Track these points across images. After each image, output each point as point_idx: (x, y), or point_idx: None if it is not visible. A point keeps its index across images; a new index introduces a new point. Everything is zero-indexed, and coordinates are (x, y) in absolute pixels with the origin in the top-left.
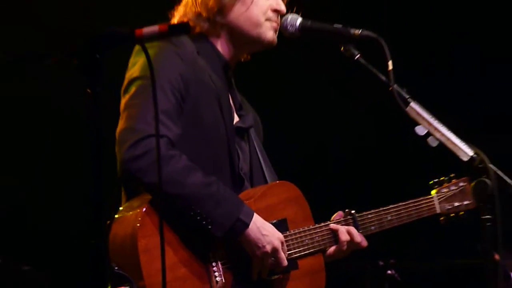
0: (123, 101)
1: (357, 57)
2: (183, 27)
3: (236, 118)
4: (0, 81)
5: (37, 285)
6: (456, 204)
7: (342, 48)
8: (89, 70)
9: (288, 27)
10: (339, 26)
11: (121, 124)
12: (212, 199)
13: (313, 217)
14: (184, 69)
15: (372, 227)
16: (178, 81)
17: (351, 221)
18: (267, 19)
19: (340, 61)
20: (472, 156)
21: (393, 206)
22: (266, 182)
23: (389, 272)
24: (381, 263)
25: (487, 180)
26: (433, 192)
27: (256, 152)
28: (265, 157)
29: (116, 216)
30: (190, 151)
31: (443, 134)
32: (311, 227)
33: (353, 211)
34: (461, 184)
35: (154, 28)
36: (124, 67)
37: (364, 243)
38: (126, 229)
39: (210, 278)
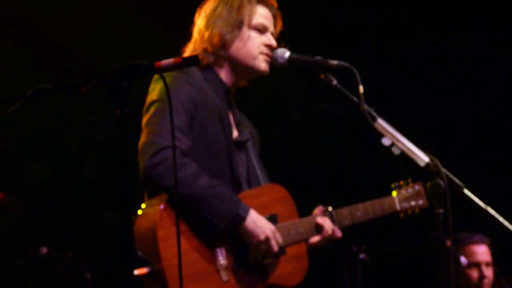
0: (144, 119)
1: (334, 83)
2: (193, 60)
3: (235, 133)
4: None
5: (78, 268)
6: (413, 203)
7: (322, 76)
8: (117, 95)
9: (278, 58)
10: (320, 57)
11: (142, 138)
12: (216, 198)
13: (298, 213)
14: (193, 94)
15: (345, 222)
16: (189, 103)
17: (328, 216)
18: (261, 53)
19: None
20: (427, 162)
21: (362, 204)
22: (260, 185)
23: (361, 256)
24: (354, 248)
25: (440, 181)
26: (394, 193)
27: (252, 161)
28: (260, 165)
29: (139, 212)
30: (198, 159)
31: (404, 144)
32: (296, 221)
33: (329, 208)
34: (416, 187)
35: (170, 61)
36: (140, 94)
37: (339, 234)
38: (147, 223)
39: (215, 261)
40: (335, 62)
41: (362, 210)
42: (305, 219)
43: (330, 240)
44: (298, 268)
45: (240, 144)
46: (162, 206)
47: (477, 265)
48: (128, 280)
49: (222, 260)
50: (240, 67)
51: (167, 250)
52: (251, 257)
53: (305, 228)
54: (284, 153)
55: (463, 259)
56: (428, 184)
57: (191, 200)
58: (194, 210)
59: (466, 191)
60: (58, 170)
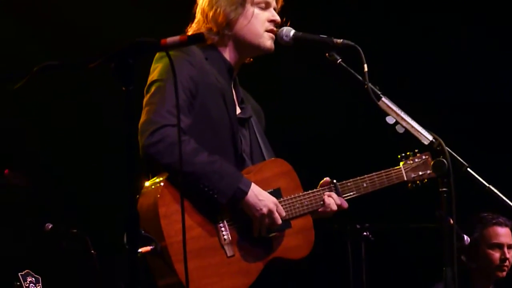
0: (145, 99)
1: (339, 61)
2: (199, 37)
3: (238, 110)
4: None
5: (83, 244)
6: (420, 173)
7: (327, 54)
8: (123, 72)
9: (283, 37)
10: (325, 36)
11: (142, 117)
12: (216, 174)
13: (302, 187)
14: (194, 73)
15: (351, 193)
16: (189, 82)
17: (334, 188)
18: (266, 30)
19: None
20: (431, 140)
21: (367, 175)
22: (264, 160)
23: (364, 233)
24: (358, 226)
25: (444, 160)
26: (401, 163)
27: (256, 137)
28: (264, 140)
29: (142, 191)
30: (200, 137)
31: (408, 123)
32: (301, 194)
33: (334, 181)
34: (423, 157)
35: (175, 38)
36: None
37: (345, 205)
38: (149, 200)
39: (219, 236)
40: (339, 40)
41: (368, 182)
42: (310, 192)
43: (335, 212)
44: (304, 241)
45: (243, 121)
46: (162, 184)
47: (499, 246)
48: (133, 258)
49: (226, 235)
50: (245, 45)
51: (170, 227)
52: (255, 231)
53: (310, 201)
54: (288, 128)
55: (466, 238)
56: (432, 162)
57: (191, 177)
58: (195, 186)
59: (470, 170)
60: (63, 146)
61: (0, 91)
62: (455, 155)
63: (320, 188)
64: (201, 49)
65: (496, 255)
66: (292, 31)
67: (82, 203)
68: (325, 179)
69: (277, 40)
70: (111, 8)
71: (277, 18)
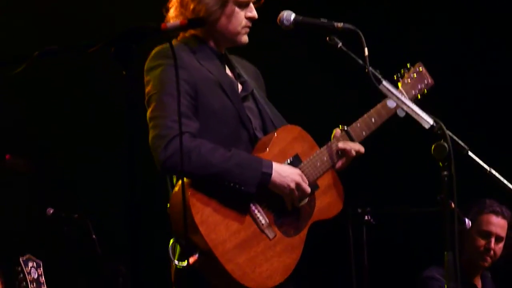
0: (148, 114)
1: (339, 45)
2: (199, 21)
3: (240, 88)
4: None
5: (84, 229)
6: (419, 86)
7: (327, 38)
8: (124, 57)
9: (284, 21)
10: (325, 20)
11: (151, 134)
12: (237, 167)
13: (317, 144)
14: (186, 75)
15: (363, 133)
16: (184, 86)
17: (346, 135)
18: (243, 27)
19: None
20: (432, 124)
21: (373, 109)
22: (275, 127)
23: (366, 217)
24: (359, 210)
25: (445, 144)
26: (399, 84)
27: (264, 107)
28: (270, 107)
29: (170, 202)
30: (211, 133)
31: (408, 106)
32: (318, 151)
33: (345, 127)
34: (417, 69)
35: (176, 23)
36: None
37: (362, 149)
38: (180, 210)
39: (256, 223)
40: (340, 24)
41: (375, 115)
42: (325, 147)
43: (354, 159)
44: (335, 196)
45: (247, 97)
46: (189, 193)
47: (488, 234)
48: (135, 246)
49: (262, 219)
50: (224, 40)
51: (209, 231)
52: (288, 205)
53: (329, 155)
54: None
55: (467, 221)
56: (433, 146)
57: (215, 178)
58: (221, 185)
59: (471, 154)
60: (65, 131)
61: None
62: (456, 138)
63: (334, 140)
64: (186, 45)
65: (482, 242)
66: (293, 15)
67: (83, 189)
68: (336, 129)
69: (279, 24)
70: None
71: (255, 15)
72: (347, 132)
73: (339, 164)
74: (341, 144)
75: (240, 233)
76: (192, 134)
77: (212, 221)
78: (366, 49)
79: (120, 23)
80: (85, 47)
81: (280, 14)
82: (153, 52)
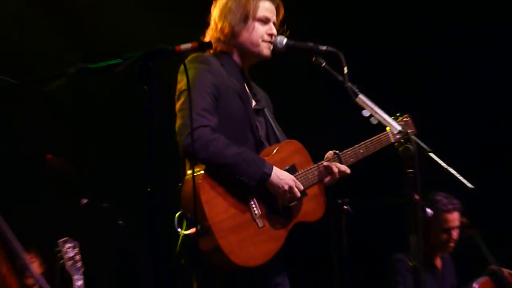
0: (177, 106)
1: (323, 64)
2: (207, 45)
3: (254, 103)
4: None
5: (112, 216)
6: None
7: (313, 59)
8: (145, 74)
9: (278, 45)
10: (312, 43)
11: (177, 122)
12: (244, 162)
13: (312, 160)
14: (214, 80)
15: (351, 159)
16: (211, 88)
17: (337, 158)
18: (263, 41)
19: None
20: (400, 130)
21: (362, 142)
22: (278, 141)
23: (345, 207)
24: (339, 201)
25: (410, 146)
26: (387, 128)
27: (270, 123)
28: (276, 125)
29: (185, 180)
30: (226, 131)
31: (380, 115)
32: (311, 167)
33: (337, 151)
34: (405, 119)
35: (188, 45)
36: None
37: (348, 171)
38: (192, 189)
39: (251, 212)
40: (324, 47)
41: (363, 148)
42: (319, 164)
43: (342, 177)
44: (318, 205)
45: (258, 111)
46: (201, 175)
47: (449, 230)
48: (151, 226)
49: (256, 210)
50: (247, 53)
51: (211, 210)
52: (279, 204)
53: (319, 171)
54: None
55: (428, 210)
56: (400, 148)
57: (225, 167)
58: (229, 174)
59: (432, 154)
60: (97, 135)
61: (38, 91)
62: (420, 142)
63: (326, 160)
64: (216, 57)
65: (445, 236)
66: (285, 40)
67: (111, 182)
68: (329, 152)
69: (273, 48)
70: (140, 17)
71: (274, 31)
72: (338, 155)
73: (326, 179)
74: (332, 165)
75: (235, 217)
76: (212, 128)
77: (215, 203)
78: (345, 68)
79: (144, 44)
80: (114, 66)
81: (274, 39)
82: (189, 57)
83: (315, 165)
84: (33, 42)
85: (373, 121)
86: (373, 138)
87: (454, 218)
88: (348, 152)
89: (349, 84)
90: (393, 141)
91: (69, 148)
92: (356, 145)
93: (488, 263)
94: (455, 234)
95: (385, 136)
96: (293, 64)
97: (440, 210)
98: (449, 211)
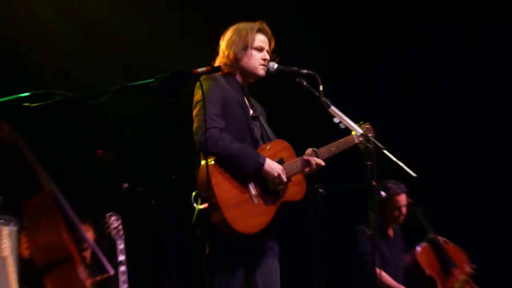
0: (194, 112)
1: (304, 84)
2: (217, 68)
3: (251, 112)
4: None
5: (146, 198)
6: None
7: (296, 79)
8: (170, 89)
9: (270, 69)
10: (296, 67)
11: (194, 125)
12: (244, 155)
13: (296, 155)
14: (222, 93)
15: (325, 155)
16: (220, 99)
17: (314, 154)
18: (259, 64)
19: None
20: (362, 133)
21: (334, 142)
22: (270, 140)
23: (320, 190)
24: (316, 186)
25: (369, 145)
26: (353, 133)
27: (264, 126)
28: (269, 128)
29: (200, 167)
30: (231, 132)
31: (347, 122)
32: (295, 160)
33: (315, 149)
34: (366, 126)
35: (203, 69)
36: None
37: (323, 163)
38: (205, 175)
39: (249, 192)
40: (305, 70)
41: (334, 146)
42: (300, 158)
43: (318, 168)
44: (300, 189)
45: (255, 118)
46: (213, 164)
47: (399, 208)
48: (176, 208)
49: (253, 191)
50: (247, 74)
51: (219, 191)
52: (270, 186)
53: (301, 164)
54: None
55: (382, 193)
56: (361, 146)
57: (230, 159)
58: (232, 164)
59: (385, 151)
60: (135, 135)
61: (88, 104)
62: (377, 142)
63: (306, 155)
64: (223, 77)
65: (397, 212)
66: (276, 65)
67: (147, 170)
68: (308, 149)
69: (266, 71)
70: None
71: (267, 57)
72: (315, 152)
73: (306, 170)
74: (310, 159)
75: (237, 196)
76: (220, 129)
77: (222, 185)
78: (321, 86)
79: (168, 66)
80: (149, 83)
81: (267, 64)
82: (203, 77)
83: (298, 158)
84: (82, 65)
85: (342, 126)
86: (342, 139)
87: (402, 199)
88: (323, 149)
89: (323, 98)
90: (357, 142)
91: (113, 145)
92: (329, 144)
93: (428, 232)
94: (403, 210)
95: (351, 138)
96: (282, 84)
97: (391, 193)
98: (398, 193)
